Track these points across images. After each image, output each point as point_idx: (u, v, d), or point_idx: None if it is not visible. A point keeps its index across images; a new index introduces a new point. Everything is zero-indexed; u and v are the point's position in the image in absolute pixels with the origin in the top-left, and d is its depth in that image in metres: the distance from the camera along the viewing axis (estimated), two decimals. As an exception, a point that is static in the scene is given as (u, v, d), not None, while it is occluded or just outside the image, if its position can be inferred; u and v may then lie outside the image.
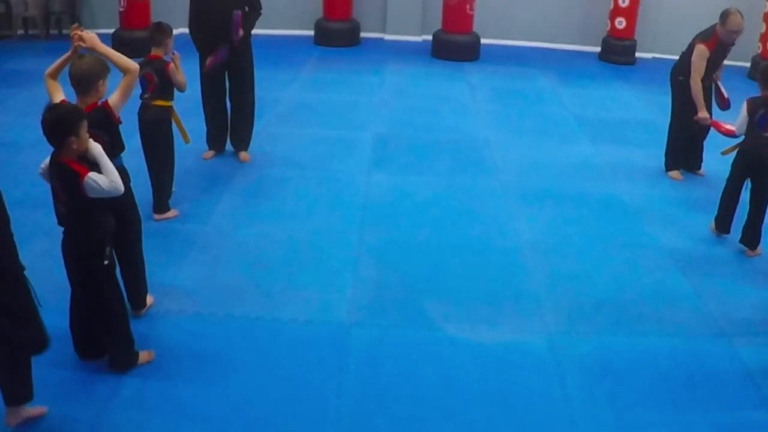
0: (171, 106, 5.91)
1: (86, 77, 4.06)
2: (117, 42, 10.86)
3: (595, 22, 12.66)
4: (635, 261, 5.78)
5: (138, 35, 10.80)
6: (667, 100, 7.60)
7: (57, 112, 3.72)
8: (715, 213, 6.28)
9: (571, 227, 6.29)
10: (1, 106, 8.60)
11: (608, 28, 12.36)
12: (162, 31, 5.82)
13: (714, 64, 7.10)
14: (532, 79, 11.03)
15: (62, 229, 4.00)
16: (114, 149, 4.18)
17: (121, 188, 3.80)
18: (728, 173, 6.12)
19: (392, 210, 6.46)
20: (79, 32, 4.16)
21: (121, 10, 11.31)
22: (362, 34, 12.86)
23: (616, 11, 12.13)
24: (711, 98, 7.27)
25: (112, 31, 11.29)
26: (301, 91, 9.71)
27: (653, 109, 9.51)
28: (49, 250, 5.30)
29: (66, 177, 3.73)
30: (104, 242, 3.91)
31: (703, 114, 6.96)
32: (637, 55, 12.34)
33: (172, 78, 5.80)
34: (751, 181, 5.97)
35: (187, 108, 6.27)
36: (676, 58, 7.54)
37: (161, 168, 6.00)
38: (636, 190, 7.11)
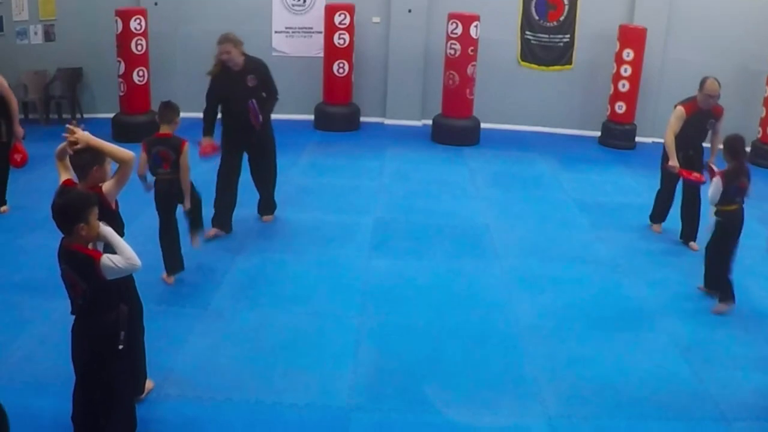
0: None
1: (79, 165, 4.25)
2: (117, 127, 11.23)
3: (594, 106, 13.08)
4: (635, 344, 5.94)
5: (138, 120, 11.20)
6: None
7: (66, 198, 3.85)
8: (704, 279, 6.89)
9: (571, 311, 6.47)
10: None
11: (608, 112, 12.75)
12: (172, 109, 6.39)
13: (695, 128, 7.79)
14: (532, 163, 11.35)
15: (69, 314, 4.08)
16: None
17: (138, 263, 3.88)
18: (713, 240, 6.69)
19: (392, 294, 6.64)
20: (70, 136, 4.22)
21: (122, 94, 11.69)
22: (362, 119, 13.22)
23: (616, 96, 12.54)
24: (701, 168, 7.61)
25: (112, 115, 11.67)
26: (301, 176, 10.00)
27: (653, 194, 9.72)
28: (48, 334, 5.49)
29: (80, 263, 3.82)
30: (119, 327, 4.00)
31: (673, 162, 7.65)
32: (637, 139, 12.69)
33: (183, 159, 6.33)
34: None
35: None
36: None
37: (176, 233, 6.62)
38: (636, 274, 7.30)
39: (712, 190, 6.48)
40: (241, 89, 7.42)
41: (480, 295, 6.73)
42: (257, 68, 7.58)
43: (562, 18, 13.23)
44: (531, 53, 13.37)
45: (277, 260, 7.23)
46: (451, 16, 11.95)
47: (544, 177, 10.65)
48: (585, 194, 9.81)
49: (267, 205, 8.31)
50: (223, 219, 7.82)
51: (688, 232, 8.11)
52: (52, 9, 12.99)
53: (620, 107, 12.46)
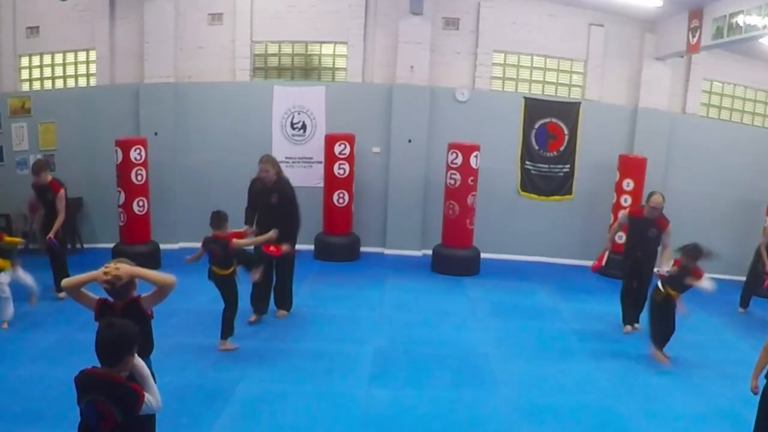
0: (232, 272, 8.51)
1: (120, 292, 4.69)
2: (117, 257, 11.51)
3: (594, 236, 13.60)
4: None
5: (138, 250, 11.60)
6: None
7: (116, 330, 4.10)
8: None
9: (570, 442, 6.76)
10: (1, 320, 9.14)
11: (609, 242, 13.24)
12: (222, 218, 8.38)
13: (640, 233, 9.75)
14: (532, 293, 11.82)
15: None
16: (144, 345, 4.71)
17: (161, 406, 4.26)
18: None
19: (393, 424, 6.92)
20: (114, 272, 4.62)
21: (122, 224, 12.22)
22: (362, 249, 13.75)
23: (617, 225, 13.05)
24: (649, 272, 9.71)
25: (112, 245, 12.15)
26: (301, 305, 10.34)
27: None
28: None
29: (123, 396, 4.05)
30: None
31: (606, 245, 10.24)
32: (638, 268, 13.07)
33: (236, 249, 8.44)
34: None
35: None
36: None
37: (232, 304, 8.53)
38: (636, 405, 7.61)
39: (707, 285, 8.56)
40: (266, 202, 9.34)
41: (480, 425, 7.01)
42: (282, 189, 9.39)
43: (562, 148, 13.97)
44: (531, 183, 14.03)
45: (277, 390, 7.54)
46: (451, 146, 12.62)
47: (544, 307, 11.08)
48: (585, 324, 10.20)
49: (282, 300, 9.92)
50: (262, 306, 9.67)
51: (631, 317, 10.09)
52: (52, 139, 13.75)
53: (620, 237, 12.82)
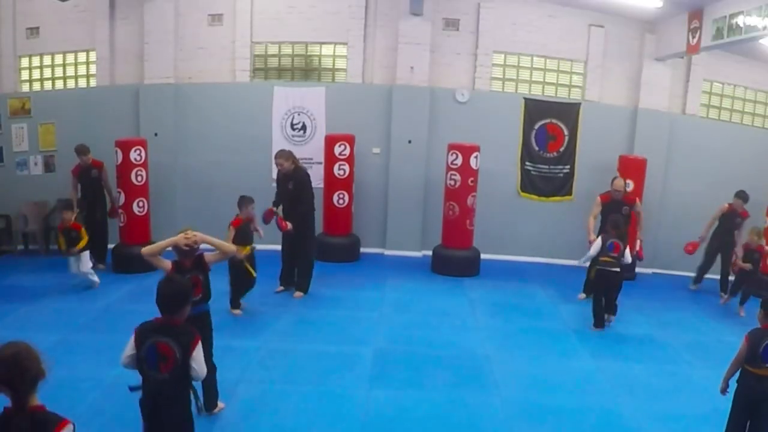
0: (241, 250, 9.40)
1: (191, 253, 6.18)
2: (117, 257, 11.68)
3: (595, 237, 13.54)
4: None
5: (138, 250, 11.58)
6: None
7: (176, 285, 4.89)
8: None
9: (570, 442, 6.77)
10: (1, 321, 9.18)
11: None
12: (246, 201, 9.72)
13: (614, 212, 10.79)
14: (532, 294, 11.83)
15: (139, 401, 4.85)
16: (206, 292, 6.35)
17: (202, 374, 4.79)
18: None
19: (392, 425, 6.94)
20: (191, 237, 6.11)
21: (121, 225, 12.22)
22: (362, 249, 13.77)
23: (617, 227, 13.05)
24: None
25: (112, 246, 12.18)
26: (301, 307, 10.42)
27: (654, 325, 10.22)
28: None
29: (181, 334, 4.71)
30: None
31: (590, 237, 10.73)
32: (638, 270, 13.18)
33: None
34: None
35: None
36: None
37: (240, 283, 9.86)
38: (636, 406, 7.63)
39: (592, 248, 10.01)
40: (284, 189, 10.71)
41: (480, 426, 7.03)
42: (297, 177, 10.62)
43: (562, 149, 13.99)
44: (531, 184, 14.05)
45: (277, 391, 7.56)
46: (451, 147, 12.64)
47: (544, 308, 11.09)
48: (585, 325, 10.20)
49: (301, 283, 11.02)
50: (287, 280, 11.11)
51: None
52: (52, 140, 13.77)
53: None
